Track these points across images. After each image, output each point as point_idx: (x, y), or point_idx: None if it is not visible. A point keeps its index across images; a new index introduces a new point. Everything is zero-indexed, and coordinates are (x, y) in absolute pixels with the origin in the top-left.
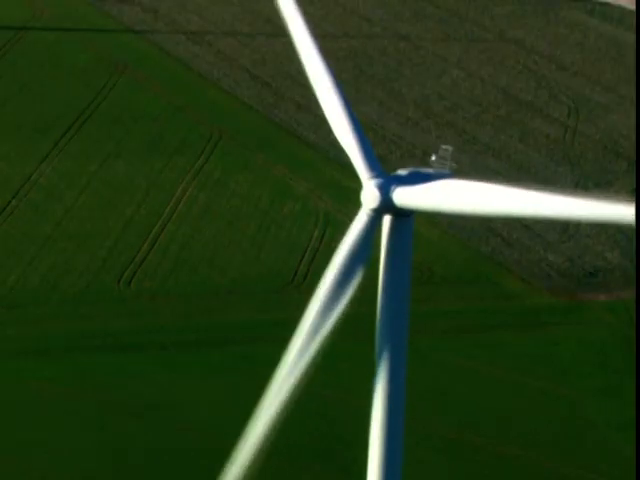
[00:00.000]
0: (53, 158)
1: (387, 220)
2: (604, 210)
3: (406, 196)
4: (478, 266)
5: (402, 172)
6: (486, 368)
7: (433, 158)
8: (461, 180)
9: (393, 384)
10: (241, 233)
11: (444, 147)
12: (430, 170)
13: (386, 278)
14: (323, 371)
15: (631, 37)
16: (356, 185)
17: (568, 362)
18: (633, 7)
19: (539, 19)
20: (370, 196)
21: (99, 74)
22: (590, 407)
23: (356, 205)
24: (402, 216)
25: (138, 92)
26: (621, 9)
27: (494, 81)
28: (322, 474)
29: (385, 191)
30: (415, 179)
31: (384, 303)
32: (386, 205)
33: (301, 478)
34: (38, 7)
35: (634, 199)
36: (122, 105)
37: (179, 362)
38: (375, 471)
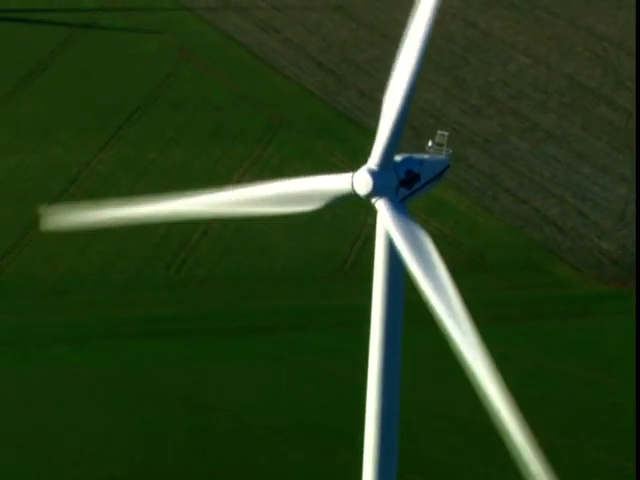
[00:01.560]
0: (113, 145)
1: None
2: None
3: (383, 214)
4: (530, 254)
5: (397, 158)
6: (531, 356)
7: (430, 144)
8: (429, 243)
9: (387, 372)
10: (294, 220)
11: (440, 133)
12: (425, 156)
13: (379, 264)
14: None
15: None
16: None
17: (615, 351)
18: None
19: (611, 5)
20: (363, 183)
21: (165, 62)
22: (635, 397)
23: None
24: (399, 201)
25: (202, 79)
26: None
27: (561, 68)
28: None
29: (375, 190)
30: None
31: (377, 293)
32: (382, 183)
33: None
34: None
35: None
36: (185, 92)
37: (223, 349)
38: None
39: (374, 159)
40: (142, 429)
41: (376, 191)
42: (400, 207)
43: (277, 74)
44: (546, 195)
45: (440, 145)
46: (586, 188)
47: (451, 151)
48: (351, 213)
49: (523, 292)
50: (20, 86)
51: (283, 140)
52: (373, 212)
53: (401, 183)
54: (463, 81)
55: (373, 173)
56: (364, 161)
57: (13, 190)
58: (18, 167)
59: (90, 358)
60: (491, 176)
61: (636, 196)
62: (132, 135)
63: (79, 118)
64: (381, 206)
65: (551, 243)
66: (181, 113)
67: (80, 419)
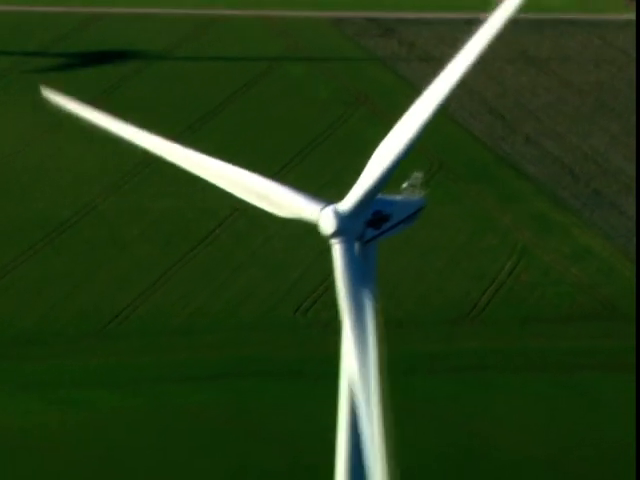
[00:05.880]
0: None
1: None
2: None
3: (337, 260)
4: None
5: None
6: None
7: (405, 185)
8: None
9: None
10: (430, 265)
11: (415, 175)
12: (397, 197)
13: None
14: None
15: None
16: (564, 219)
17: None
18: None
19: None
20: (327, 223)
21: (338, 105)
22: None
23: (559, 240)
24: (366, 241)
25: (371, 124)
26: None
27: None
28: None
29: (338, 232)
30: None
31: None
32: (344, 227)
33: None
34: (292, 41)
35: None
36: (351, 136)
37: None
38: None
39: (347, 203)
40: (244, 469)
41: (338, 233)
42: (366, 249)
43: (446, 119)
44: None
45: (414, 187)
46: None
47: (424, 192)
48: (491, 258)
49: None
50: (193, 129)
51: (438, 184)
52: (512, 257)
53: (368, 223)
54: (633, 127)
55: (339, 216)
56: (517, 207)
57: (161, 231)
58: (169, 209)
59: (208, 396)
60: None
61: (636, 202)
62: (290, 178)
63: (241, 162)
64: (337, 252)
65: None
66: (342, 156)
67: (189, 458)
